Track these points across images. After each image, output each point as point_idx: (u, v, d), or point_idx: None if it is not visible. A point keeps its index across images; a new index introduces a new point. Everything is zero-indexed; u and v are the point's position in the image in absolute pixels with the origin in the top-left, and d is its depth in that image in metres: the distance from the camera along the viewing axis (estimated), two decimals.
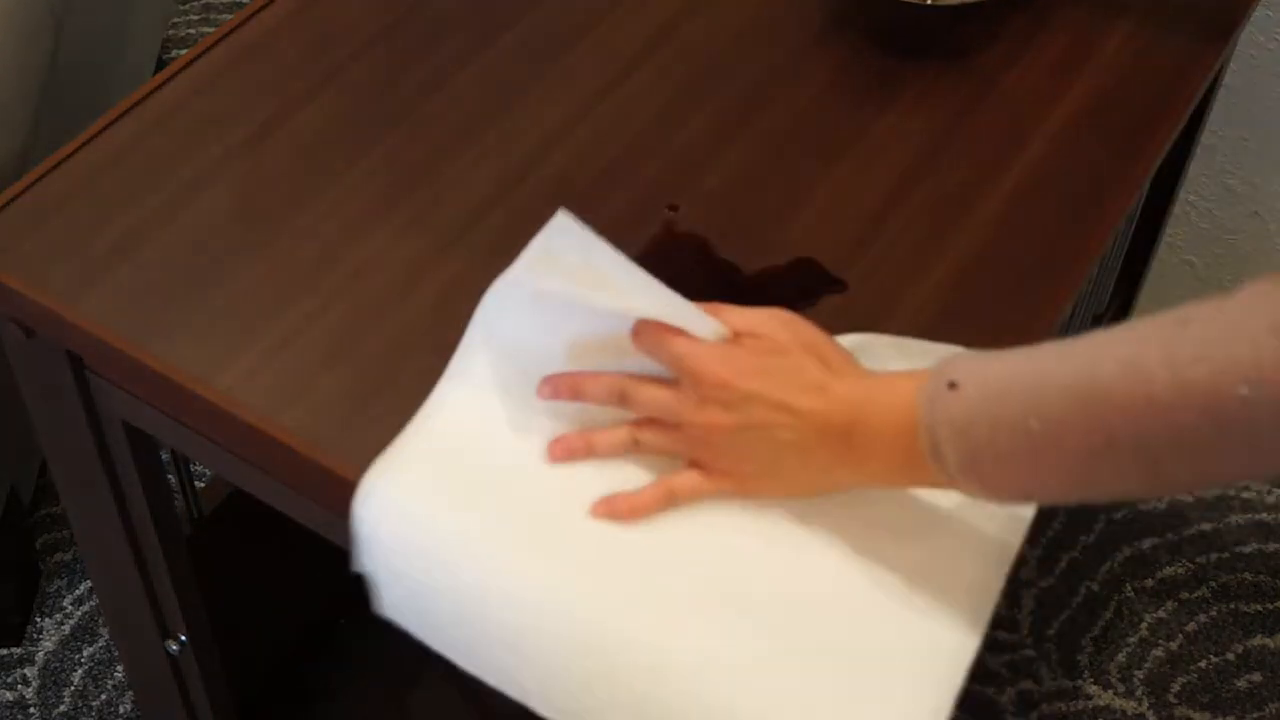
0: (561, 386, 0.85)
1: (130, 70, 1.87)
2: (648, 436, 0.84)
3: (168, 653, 1.21)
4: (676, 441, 0.83)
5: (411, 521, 0.83)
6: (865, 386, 0.80)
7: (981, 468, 0.74)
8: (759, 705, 0.76)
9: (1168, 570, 1.74)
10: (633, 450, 0.84)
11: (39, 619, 1.65)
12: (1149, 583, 1.73)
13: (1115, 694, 1.63)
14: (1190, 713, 1.63)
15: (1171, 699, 1.63)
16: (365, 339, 0.93)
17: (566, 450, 0.84)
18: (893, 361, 0.89)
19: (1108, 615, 1.70)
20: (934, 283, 0.98)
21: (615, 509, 0.82)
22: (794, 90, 1.08)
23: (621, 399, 0.84)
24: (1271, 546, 1.76)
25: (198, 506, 1.29)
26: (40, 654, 1.63)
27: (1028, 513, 0.84)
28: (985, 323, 0.95)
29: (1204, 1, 1.16)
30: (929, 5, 1.11)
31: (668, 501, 0.82)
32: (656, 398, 0.83)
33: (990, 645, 1.66)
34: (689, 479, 0.83)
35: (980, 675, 1.64)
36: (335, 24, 1.11)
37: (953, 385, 0.74)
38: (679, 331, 0.82)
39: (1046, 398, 0.71)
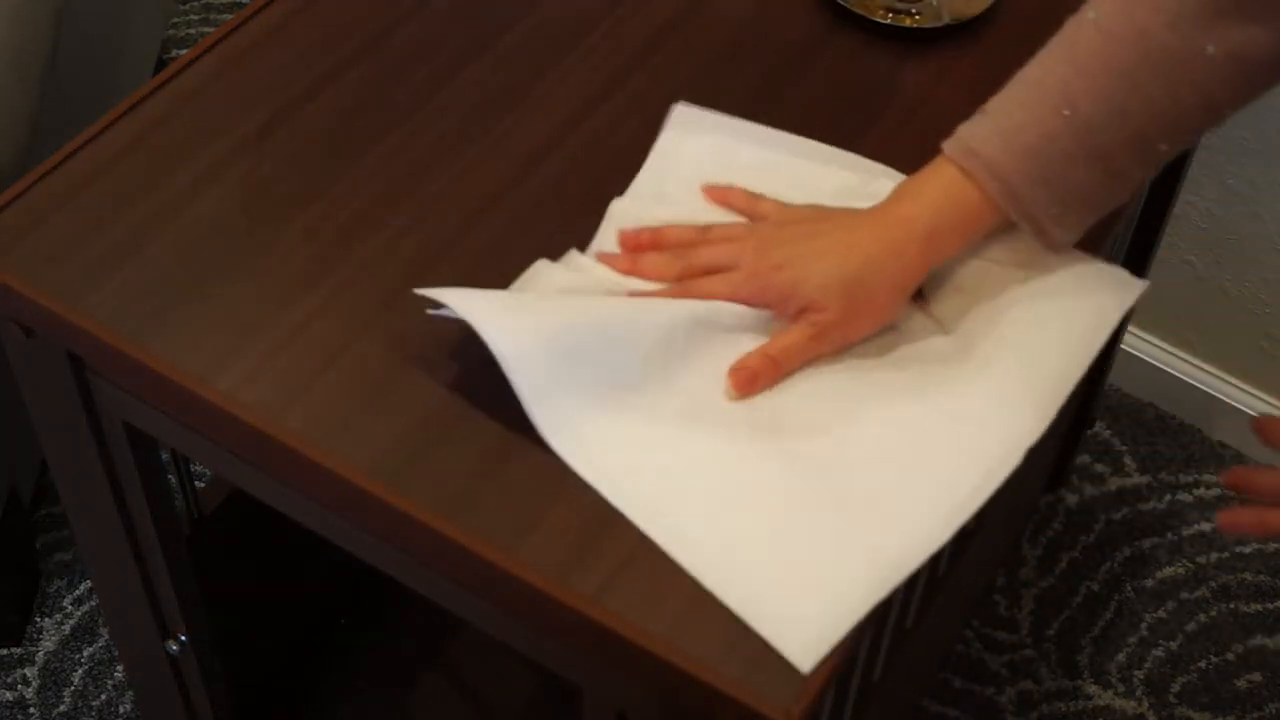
0: (643, 235, 0.94)
1: (130, 70, 1.87)
2: (708, 284, 0.90)
3: (168, 653, 1.21)
4: (737, 284, 0.89)
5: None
6: (897, 190, 0.89)
7: (1041, 165, 0.84)
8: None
9: (1168, 570, 1.74)
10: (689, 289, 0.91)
11: (39, 619, 1.65)
12: (1149, 583, 1.73)
13: (1115, 694, 1.63)
14: (1190, 713, 1.63)
15: (1171, 699, 1.63)
16: (366, 338, 0.93)
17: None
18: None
19: (1108, 615, 1.70)
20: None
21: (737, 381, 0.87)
22: (793, 92, 1.08)
23: (691, 248, 0.92)
24: (1271, 546, 1.76)
25: (198, 506, 1.29)
26: (40, 654, 1.63)
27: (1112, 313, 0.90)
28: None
29: None
30: (910, 27, 1.11)
31: (772, 365, 0.88)
32: (720, 246, 0.91)
33: (990, 645, 1.66)
34: (784, 337, 0.88)
35: (980, 675, 1.64)
36: (335, 24, 1.11)
37: (976, 127, 0.86)
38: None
39: (1052, 91, 0.85)
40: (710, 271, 0.91)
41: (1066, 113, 0.85)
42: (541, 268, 0.93)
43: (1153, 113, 0.85)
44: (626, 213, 0.97)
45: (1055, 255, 0.90)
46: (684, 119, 1.02)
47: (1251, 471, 0.84)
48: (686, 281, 0.92)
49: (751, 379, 0.88)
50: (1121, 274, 0.92)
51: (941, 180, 0.87)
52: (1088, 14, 0.87)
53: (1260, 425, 0.87)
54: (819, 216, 0.92)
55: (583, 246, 0.98)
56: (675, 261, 0.93)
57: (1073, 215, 0.88)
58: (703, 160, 1.00)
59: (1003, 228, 0.89)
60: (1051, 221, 0.87)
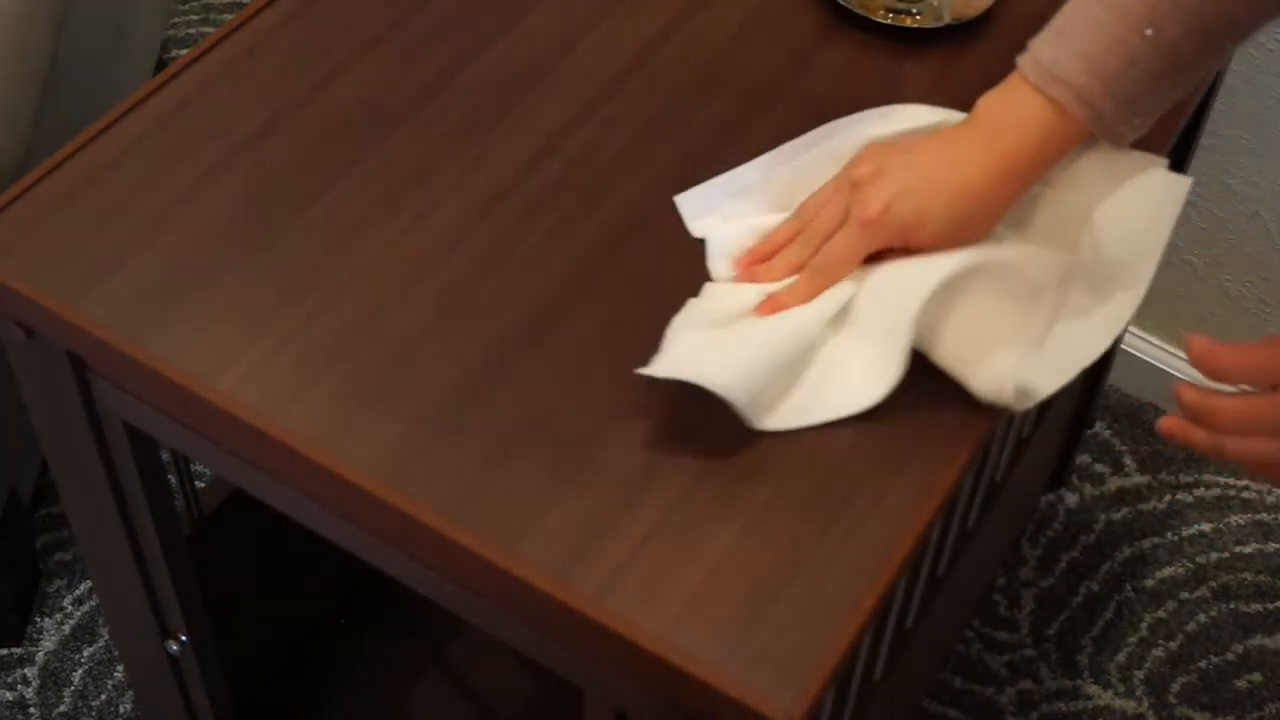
0: (755, 252, 0.96)
1: (130, 70, 1.87)
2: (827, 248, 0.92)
3: (168, 653, 1.21)
4: (853, 237, 0.91)
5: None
6: (992, 120, 0.90)
7: (1126, 86, 0.87)
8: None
9: (1168, 570, 1.74)
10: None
11: (39, 619, 1.65)
12: (1149, 583, 1.73)
13: (1115, 694, 1.63)
14: (1190, 713, 1.63)
15: (1171, 699, 1.63)
16: (365, 339, 0.93)
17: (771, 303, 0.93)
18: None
19: (1108, 615, 1.70)
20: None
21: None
22: (794, 92, 1.08)
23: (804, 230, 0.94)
24: (1271, 546, 1.76)
25: (198, 506, 1.29)
26: (40, 654, 1.63)
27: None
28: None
29: None
30: (910, 27, 1.11)
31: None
32: (824, 212, 0.93)
33: (990, 645, 1.66)
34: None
35: (980, 675, 1.64)
36: (335, 24, 1.11)
37: (1056, 50, 0.88)
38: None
39: (1134, 13, 0.86)
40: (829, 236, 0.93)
41: (1149, 33, 0.86)
42: (691, 303, 0.94)
43: (1231, 26, 0.88)
44: (724, 237, 0.98)
45: (1101, 173, 0.94)
46: (691, 206, 1.00)
47: (1212, 397, 0.81)
48: (814, 265, 0.92)
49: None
50: (1164, 174, 0.96)
51: (1035, 111, 0.89)
52: None
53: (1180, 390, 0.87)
54: (914, 146, 0.93)
55: (582, 244, 0.98)
56: (802, 248, 0.93)
57: (1148, 120, 0.92)
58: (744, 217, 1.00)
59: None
60: (1130, 131, 0.92)
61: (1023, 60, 0.90)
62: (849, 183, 0.93)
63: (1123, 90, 0.88)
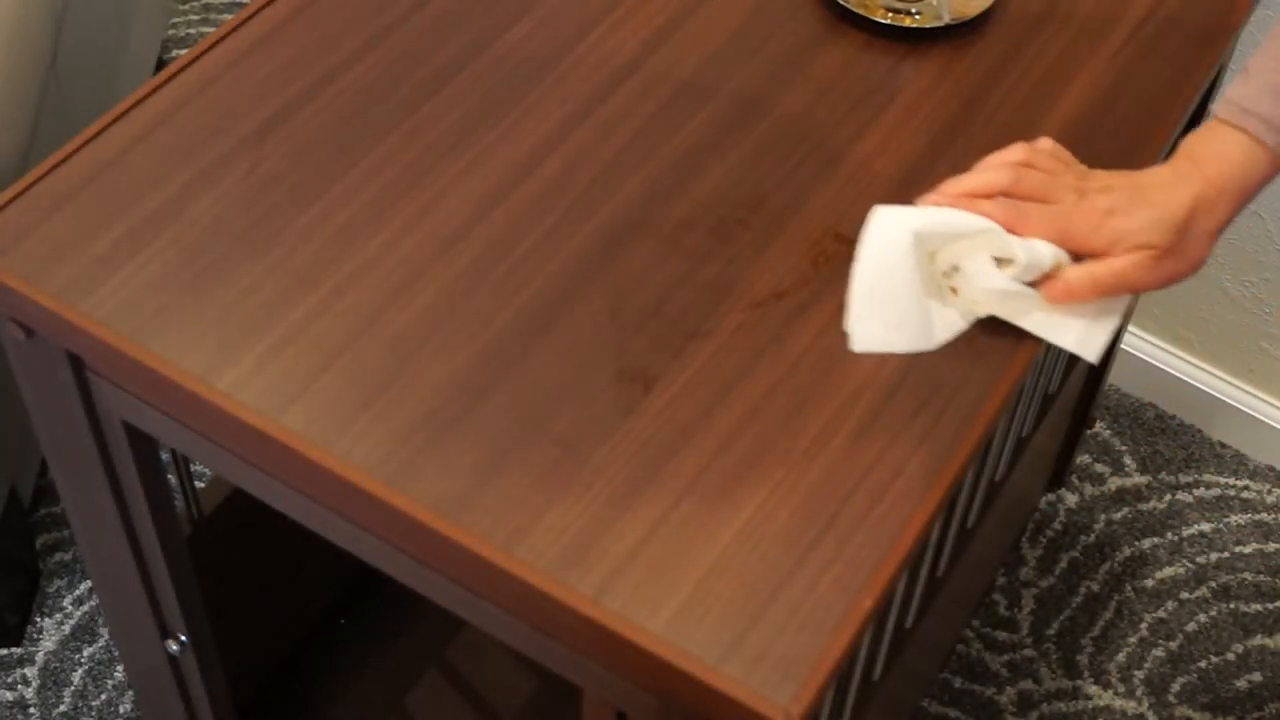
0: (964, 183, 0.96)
1: (130, 70, 1.87)
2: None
3: (168, 653, 1.21)
4: (1065, 219, 0.93)
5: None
6: (1195, 155, 0.95)
7: None
8: None
9: (1168, 570, 1.74)
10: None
11: (39, 619, 1.65)
12: (1149, 583, 1.73)
13: (1115, 694, 1.63)
14: (1190, 713, 1.63)
15: (1171, 699, 1.63)
16: (365, 339, 0.93)
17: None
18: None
19: (1108, 615, 1.70)
20: None
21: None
22: (794, 92, 1.08)
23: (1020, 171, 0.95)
24: (1271, 546, 1.76)
25: (198, 506, 1.29)
26: (40, 654, 1.63)
27: None
28: (984, 324, 0.95)
29: (1203, 1, 1.16)
30: (910, 27, 1.11)
31: (1091, 285, 0.94)
32: (1044, 176, 0.95)
33: (990, 645, 1.66)
34: (1113, 263, 0.93)
35: (980, 675, 1.64)
36: (335, 24, 1.11)
37: (1244, 89, 0.94)
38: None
39: None
40: (1032, 198, 0.94)
41: None
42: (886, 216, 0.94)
43: None
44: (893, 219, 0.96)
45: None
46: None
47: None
48: (1015, 203, 0.93)
49: (1067, 292, 0.94)
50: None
51: (1234, 144, 0.94)
52: None
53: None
54: (1130, 174, 0.96)
55: (581, 244, 0.98)
56: (1003, 171, 0.95)
57: None
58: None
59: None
60: None
61: (1218, 103, 0.95)
62: (1078, 183, 0.95)
63: None
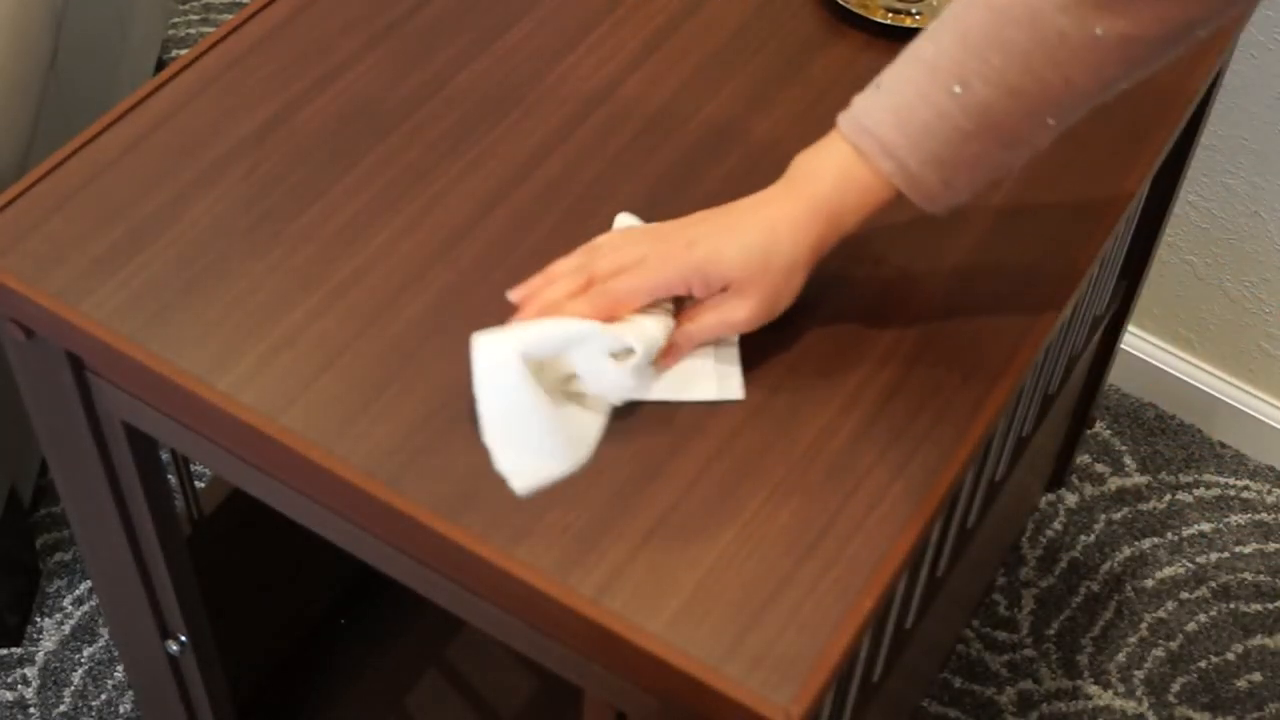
0: (533, 281, 0.92)
1: (130, 70, 1.87)
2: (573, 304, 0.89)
3: (168, 653, 1.21)
4: (653, 270, 0.88)
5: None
6: (798, 167, 0.90)
7: (935, 142, 0.85)
8: None
9: (1168, 570, 1.74)
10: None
11: (39, 619, 1.65)
12: (1149, 583, 1.73)
13: (1115, 694, 1.63)
14: (1190, 713, 1.63)
15: (1171, 699, 1.63)
16: (365, 339, 0.93)
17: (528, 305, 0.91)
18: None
19: (1108, 615, 1.70)
20: (934, 285, 0.98)
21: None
22: (794, 92, 1.08)
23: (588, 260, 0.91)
24: (1271, 546, 1.76)
25: (198, 506, 1.29)
26: (40, 654, 1.63)
27: None
28: (984, 324, 0.95)
29: None
30: (910, 27, 1.11)
31: (687, 341, 0.91)
32: (616, 250, 0.90)
33: (990, 645, 1.66)
34: (706, 315, 0.90)
35: (980, 675, 1.64)
36: (335, 25, 1.11)
37: (869, 103, 0.87)
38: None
39: (943, 71, 0.85)
40: (617, 273, 0.89)
41: (958, 90, 0.85)
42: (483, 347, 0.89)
43: (1044, 91, 0.85)
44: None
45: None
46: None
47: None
48: (599, 286, 0.89)
49: (676, 355, 0.91)
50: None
51: (838, 159, 0.88)
52: None
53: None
54: (716, 209, 0.92)
55: (581, 244, 0.98)
56: (578, 273, 0.90)
57: (964, 184, 0.89)
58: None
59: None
60: (943, 191, 0.88)
61: (842, 114, 0.89)
62: (648, 228, 0.92)
63: (930, 148, 0.86)
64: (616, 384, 0.89)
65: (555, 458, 0.87)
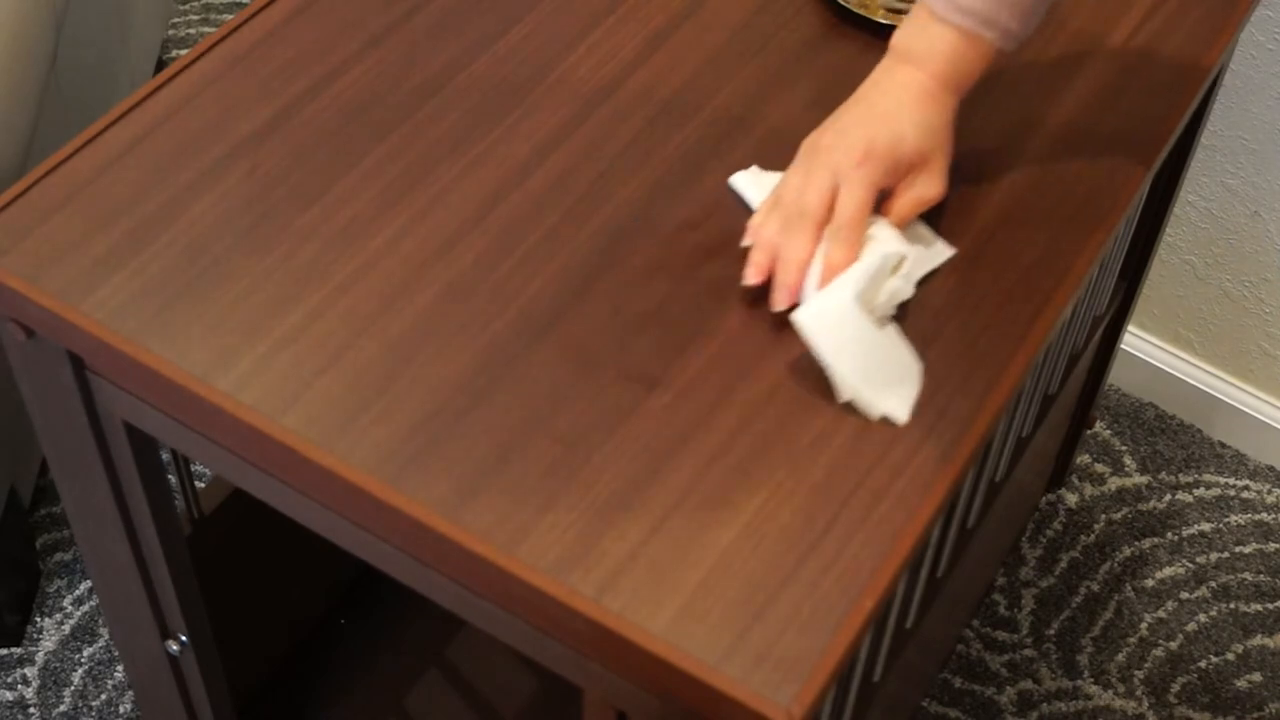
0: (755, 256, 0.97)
1: (130, 70, 1.87)
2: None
3: (168, 653, 1.21)
4: (840, 238, 0.95)
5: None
6: (910, 55, 0.97)
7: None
8: None
9: (1168, 570, 1.74)
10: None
11: (39, 619, 1.65)
12: (1149, 583, 1.73)
13: (1115, 694, 1.63)
14: (1190, 713, 1.63)
15: (1171, 699, 1.63)
16: (366, 339, 0.93)
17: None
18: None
19: (1108, 615, 1.70)
20: (934, 285, 0.98)
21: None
22: (794, 93, 1.08)
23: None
24: (1271, 546, 1.76)
25: (198, 506, 1.29)
26: (40, 654, 1.63)
27: None
28: (982, 324, 0.96)
29: (1203, 1, 1.16)
30: None
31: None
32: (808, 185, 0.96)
33: (990, 645, 1.66)
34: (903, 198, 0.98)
35: (980, 675, 1.64)
36: (335, 25, 1.11)
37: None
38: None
39: None
40: (828, 204, 0.95)
41: None
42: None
43: None
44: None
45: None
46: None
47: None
48: (832, 229, 0.95)
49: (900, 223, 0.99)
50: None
51: (946, 40, 0.95)
52: None
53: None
54: (850, 105, 0.98)
55: (582, 243, 0.98)
56: (796, 222, 0.95)
57: (1035, 17, 0.97)
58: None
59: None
60: (1024, 30, 0.97)
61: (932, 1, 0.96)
62: (814, 154, 0.96)
63: (1019, 3, 0.95)
64: (902, 291, 0.95)
65: (914, 373, 0.93)
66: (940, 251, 0.99)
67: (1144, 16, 1.15)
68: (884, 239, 0.96)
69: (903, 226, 0.98)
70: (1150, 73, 1.11)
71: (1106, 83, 1.10)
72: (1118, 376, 1.88)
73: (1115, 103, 1.09)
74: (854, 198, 0.94)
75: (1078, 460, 1.82)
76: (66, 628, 1.65)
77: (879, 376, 0.91)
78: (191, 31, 2.24)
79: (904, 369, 0.92)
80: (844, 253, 0.94)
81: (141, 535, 1.10)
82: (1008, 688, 1.63)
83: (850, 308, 0.91)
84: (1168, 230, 1.68)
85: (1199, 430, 1.85)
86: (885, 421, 0.90)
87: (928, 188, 0.98)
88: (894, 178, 0.96)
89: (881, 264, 0.93)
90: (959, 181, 1.02)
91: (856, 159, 0.94)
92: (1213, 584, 1.72)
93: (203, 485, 1.34)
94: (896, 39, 0.97)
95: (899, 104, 0.96)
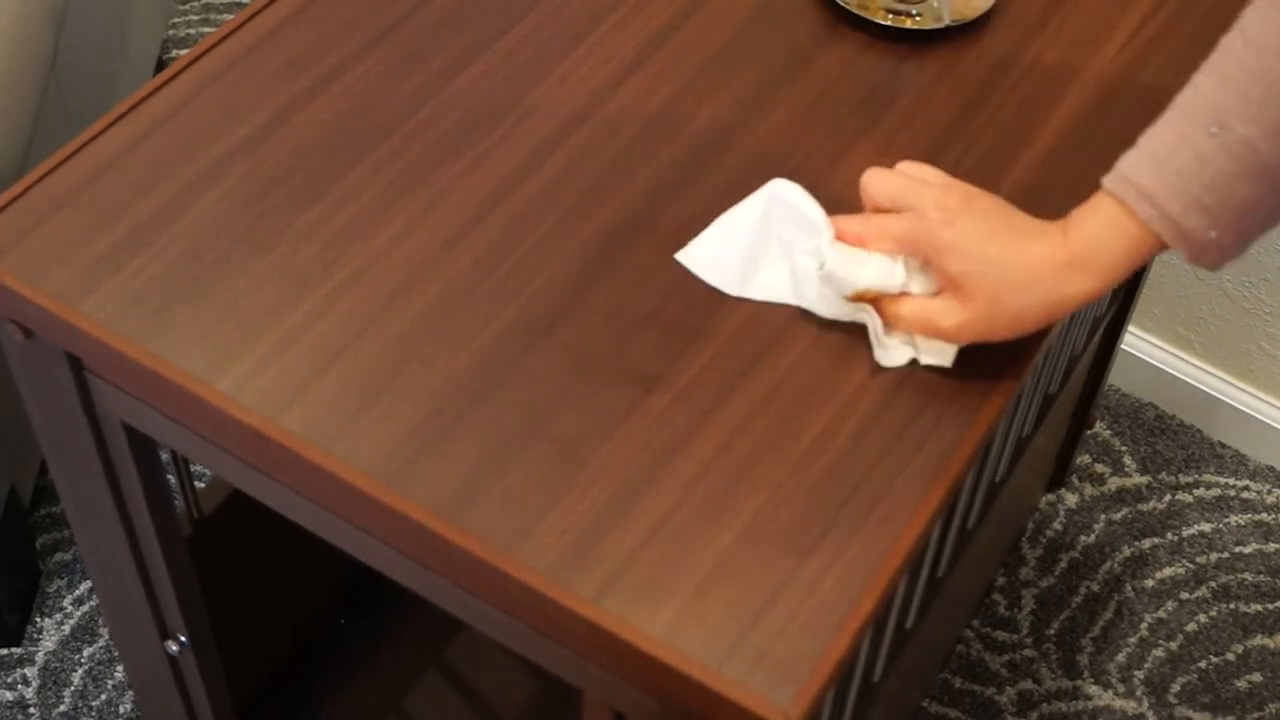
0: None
1: (130, 70, 1.87)
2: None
3: (168, 653, 1.21)
4: (910, 222, 0.90)
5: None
6: (1067, 221, 0.88)
7: (1195, 187, 0.82)
8: None
9: (1168, 570, 1.74)
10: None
11: (39, 619, 1.65)
12: (1149, 583, 1.73)
13: (1115, 694, 1.63)
14: (1190, 713, 1.63)
15: (1171, 699, 1.63)
16: (365, 340, 0.93)
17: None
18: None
19: (1108, 615, 1.70)
20: None
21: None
22: (793, 93, 1.08)
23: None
24: (1271, 546, 1.76)
25: (198, 506, 1.29)
26: (40, 654, 1.63)
27: None
28: None
29: (1202, 2, 1.16)
30: (910, 29, 1.11)
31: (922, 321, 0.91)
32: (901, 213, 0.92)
33: (990, 645, 1.66)
34: (923, 306, 0.91)
35: (980, 675, 1.64)
36: (335, 25, 1.11)
37: (1130, 156, 0.86)
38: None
39: (1200, 111, 0.82)
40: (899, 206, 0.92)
41: (1215, 130, 0.81)
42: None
43: None
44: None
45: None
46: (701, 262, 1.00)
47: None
48: (874, 217, 0.92)
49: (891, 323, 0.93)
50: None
51: (1104, 213, 0.86)
52: (1235, 29, 0.83)
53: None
54: (999, 210, 0.91)
55: (582, 244, 0.98)
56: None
57: (1232, 233, 0.84)
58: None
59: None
60: (1209, 241, 0.85)
61: (1107, 175, 0.88)
62: (933, 191, 0.91)
63: (1191, 192, 0.82)
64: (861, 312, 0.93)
65: (724, 272, 0.96)
66: (944, 353, 0.93)
67: (1145, 17, 1.15)
68: (903, 267, 0.91)
69: (899, 327, 0.92)
70: (1150, 74, 1.11)
71: (1106, 84, 1.10)
72: (1118, 377, 1.88)
73: (1115, 105, 1.09)
74: (910, 226, 0.89)
75: (1078, 460, 1.82)
76: (66, 628, 1.65)
77: (720, 242, 0.97)
78: (191, 31, 2.24)
79: (733, 263, 0.96)
80: (858, 228, 0.91)
81: (141, 535, 1.10)
82: (1008, 688, 1.63)
83: (763, 204, 0.96)
84: None
85: (1199, 430, 1.85)
86: (885, 421, 0.90)
87: (941, 316, 0.90)
88: (920, 256, 0.90)
89: (877, 270, 0.91)
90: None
91: (917, 215, 0.89)
92: (1213, 584, 1.72)
93: (203, 485, 1.34)
94: (1074, 212, 0.88)
95: (1012, 244, 0.88)
